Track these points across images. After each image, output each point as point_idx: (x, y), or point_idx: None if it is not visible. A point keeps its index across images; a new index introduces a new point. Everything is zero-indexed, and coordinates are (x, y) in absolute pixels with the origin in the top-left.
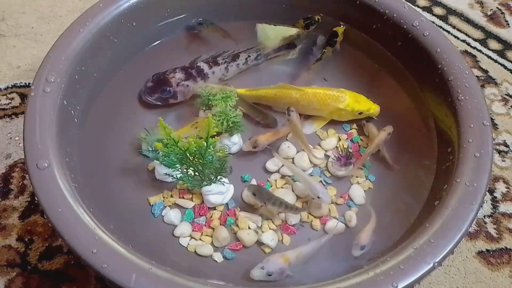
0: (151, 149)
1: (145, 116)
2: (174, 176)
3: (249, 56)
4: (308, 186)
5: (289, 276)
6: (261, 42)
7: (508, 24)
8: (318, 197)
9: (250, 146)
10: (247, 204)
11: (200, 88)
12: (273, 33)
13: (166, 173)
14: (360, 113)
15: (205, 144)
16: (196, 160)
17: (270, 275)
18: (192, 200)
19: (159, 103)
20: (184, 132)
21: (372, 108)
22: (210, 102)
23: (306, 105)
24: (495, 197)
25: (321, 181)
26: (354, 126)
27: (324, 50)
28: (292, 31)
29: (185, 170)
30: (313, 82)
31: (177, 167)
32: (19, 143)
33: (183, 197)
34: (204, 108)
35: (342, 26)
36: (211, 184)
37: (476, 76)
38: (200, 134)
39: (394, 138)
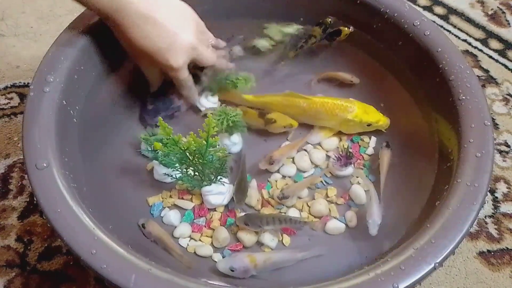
0: (150, 149)
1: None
2: (173, 176)
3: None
4: (369, 208)
5: (254, 277)
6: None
7: (509, 23)
8: (368, 222)
9: (267, 164)
10: (248, 205)
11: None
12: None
13: (165, 173)
14: (368, 125)
15: (205, 144)
16: (196, 159)
17: (232, 270)
18: (191, 201)
19: (167, 119)
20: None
21: (381, 120)
22: (227, 83)
23: (313, 115)
24: (496, 197)
25: (321, 181)
26: None
27: (319, 40)
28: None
29: (184, 170)
30: (298, 73)
31: (177, 167)
32: (18, 143)
33: (182, 198)
34: (212, 94)
35: (349, 28)
36: (211, 184)
37: (477, 75)
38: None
39: (395, 138)
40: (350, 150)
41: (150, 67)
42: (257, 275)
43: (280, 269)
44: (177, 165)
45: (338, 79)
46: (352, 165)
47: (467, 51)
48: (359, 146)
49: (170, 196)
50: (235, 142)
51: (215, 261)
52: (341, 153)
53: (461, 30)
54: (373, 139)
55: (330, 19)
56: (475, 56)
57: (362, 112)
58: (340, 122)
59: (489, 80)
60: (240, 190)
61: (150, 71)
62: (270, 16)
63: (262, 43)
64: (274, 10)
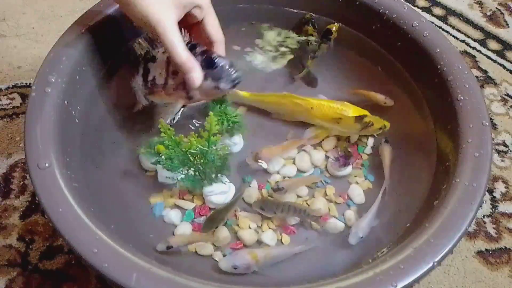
0: (153, 152)
1: (146, 116)
2: (176, 178)
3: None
4: (361, 219)
5: (256, 273)
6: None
7: (507, 24)
8: (352, 230)
9: (252, 160)
10: (247, 204)
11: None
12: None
13: (168, 177)
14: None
15: (207, 143)
16: (197, 160)
17: (235, 268)
18: (192, 201)
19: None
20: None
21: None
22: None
23: (309, 115)
24: (495, 197)
25: (321, 181)
26: None
27: (318, 48)
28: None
29: (186, 171)
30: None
31: (180, 170)
32: (20, 143)
33: (183, 198)
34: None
35: (335, 23)
36: (211, 184)
37: (476, 76)
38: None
39: (393, 138)
40: (349, 150)
41: None
42: (258, 271)
43: (280, 266)
44: (180, 168)
45: (370, 100)
46: (351, 165)
47: (465, 52)
48: (357, 145)
49: (171, 196)
50: (235, 142)
51: (216, 260)
52: (339, 153)
53: (460, 31)
54: (371, 138)
55: (308, 14)
56: (473, 56)
57: None
58: (334, 124)
59: (488, 80)
60: (215, 221)
61: None
62: (264, 18)
63: (259, 58)
64: (269, 11)
